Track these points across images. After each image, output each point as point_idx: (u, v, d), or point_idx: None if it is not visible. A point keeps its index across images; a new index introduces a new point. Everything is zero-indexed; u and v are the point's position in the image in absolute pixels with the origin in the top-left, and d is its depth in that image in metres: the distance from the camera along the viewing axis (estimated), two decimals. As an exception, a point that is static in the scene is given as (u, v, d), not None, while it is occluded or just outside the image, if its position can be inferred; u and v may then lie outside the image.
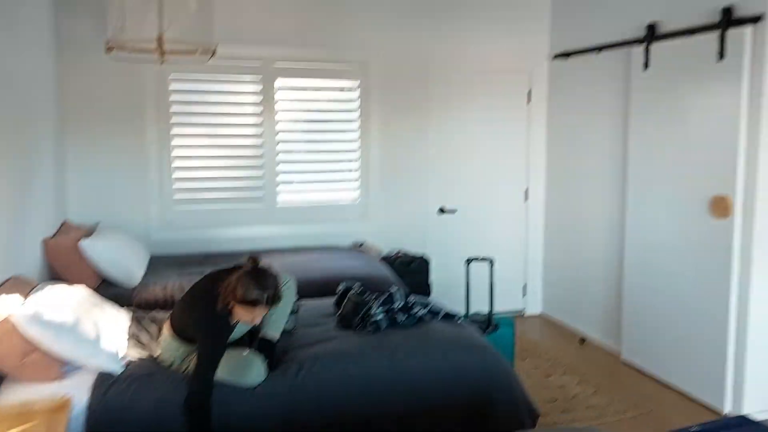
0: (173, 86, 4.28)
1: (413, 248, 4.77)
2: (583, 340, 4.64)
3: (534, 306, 5.30)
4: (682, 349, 3.70)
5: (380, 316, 2.90)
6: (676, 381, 3.76)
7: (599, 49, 4.37)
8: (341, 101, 4.73)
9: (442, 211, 4.96)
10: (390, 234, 4.81)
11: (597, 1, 4.49)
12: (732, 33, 3.30)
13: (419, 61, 4.78)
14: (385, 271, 3.91)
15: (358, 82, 4.66)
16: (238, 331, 2.58)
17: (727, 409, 3.42)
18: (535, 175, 5.18)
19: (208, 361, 2.37)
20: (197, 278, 2.76)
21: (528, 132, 5.12)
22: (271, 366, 2.56)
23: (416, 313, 2.97)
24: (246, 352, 2.53)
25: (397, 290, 3.08)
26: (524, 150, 5.13)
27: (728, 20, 3.31)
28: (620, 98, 4.24)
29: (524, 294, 5.27)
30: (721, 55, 3.36)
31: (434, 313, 3.03)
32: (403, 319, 2.94)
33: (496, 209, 5.12)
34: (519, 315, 5.21)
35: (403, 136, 4.81)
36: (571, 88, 4.82)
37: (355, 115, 4.70)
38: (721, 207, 3.39)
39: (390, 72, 4.72)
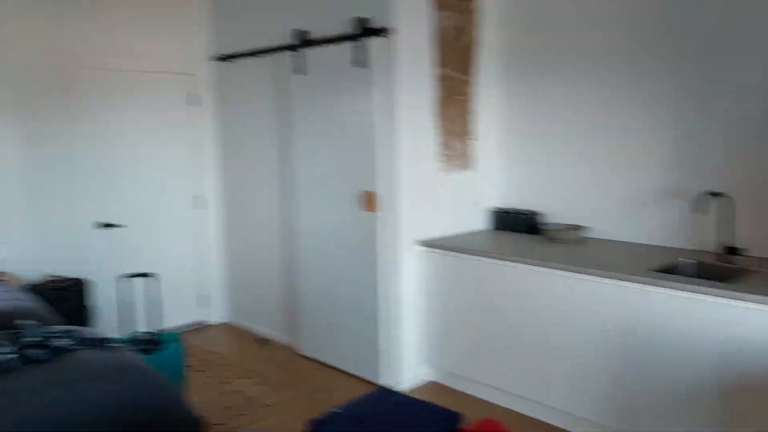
0: None
1: (71, 270, 4.20)
2: (263, 340, 4.67)
3: (218, 315, 5.16)
4: (347, 335, 3.97)
5: (7, 356, 2.42)
6: (346, 365, 4.02)
7: (257, 53, 4.42)
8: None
9: (106, 225, 4.48)
10: (38, 257, 4.13)
11: (252, 6, 4.54)
12: (367, 42, 3.63)
13: (61, 57, 4.20)
14: (26, 303, 3.30)
15: (-20, 79, 3.90)
16: None
17: (387, 383, 3.77)
18: (209, 182, 5.04)
19: None
20: None
21: (198, 137, 4.94)
22: None
23: (55, 344, 2.56)
24: None
25: (29, 323, 2.62)
26: (195, 155, 4.94)
27: (364, 31, 3.63)
28: (283, 101, 4.35)
29: (206, 305, 5.09)
30: (360, 62, 3.67)
31: (79, 340, 2.66)
32: (40, 354, 2.51)
33: (169, 219, 4.83)
34: (201, 327, 5.03)
35: (46, 144, 4.17)
36: (237, 91, 4.79)
37: (-21, 119, 3.92)
38: (368, 201, 3.72)
39: (22, 69, 4.05)
